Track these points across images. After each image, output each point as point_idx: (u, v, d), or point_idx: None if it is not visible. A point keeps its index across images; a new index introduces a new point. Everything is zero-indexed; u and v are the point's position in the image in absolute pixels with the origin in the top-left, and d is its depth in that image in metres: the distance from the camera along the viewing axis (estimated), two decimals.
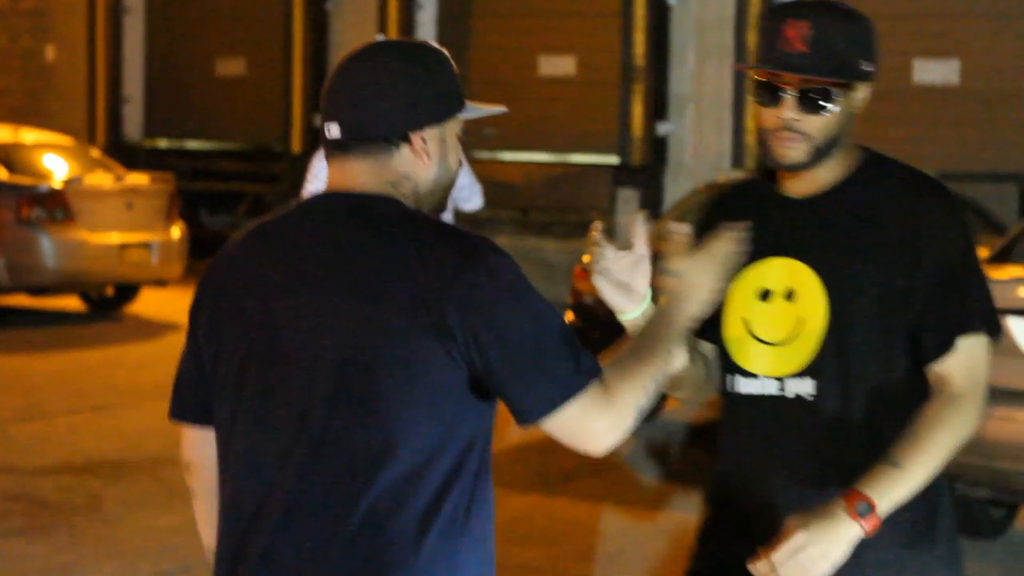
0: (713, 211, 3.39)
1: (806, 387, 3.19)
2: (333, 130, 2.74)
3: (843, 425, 3.17)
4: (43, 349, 13.48)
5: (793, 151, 3.16)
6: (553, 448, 9.55)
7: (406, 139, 2.74)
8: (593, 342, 2.85)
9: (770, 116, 3.17)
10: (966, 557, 8.20)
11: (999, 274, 8.12)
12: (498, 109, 2.88)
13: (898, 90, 16.24)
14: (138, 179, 15.69)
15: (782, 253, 3.24)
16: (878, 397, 3.17)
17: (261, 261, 2.77)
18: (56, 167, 15.26)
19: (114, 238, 14.96)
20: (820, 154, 3.18)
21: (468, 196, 10.15)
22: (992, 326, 3.20)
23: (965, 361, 3.16)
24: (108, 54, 22.01)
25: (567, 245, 16.97)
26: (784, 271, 3.23)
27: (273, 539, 2.70)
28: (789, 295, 3.22)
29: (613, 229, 16.78)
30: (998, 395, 7.72)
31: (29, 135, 15.90)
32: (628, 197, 17.21)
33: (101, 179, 15.30)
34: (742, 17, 16.67)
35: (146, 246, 15.22)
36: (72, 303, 16.11)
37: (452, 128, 2.80)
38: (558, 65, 18.34)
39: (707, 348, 3.38)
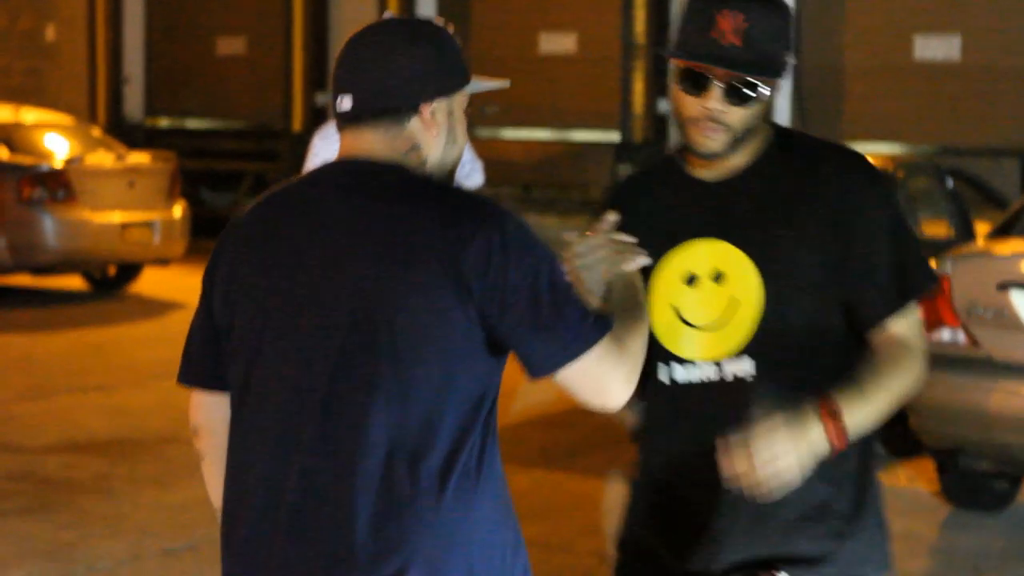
0: (624, 195, 3.34)
1: (745, 367, 3.16)
2: (345, 102, 2.84)
3: (785, 401, 3.13)
4: (46, 329, 13.49)
5: (713, 141, 3.13)
6: (556, 424, 9.57)
7: (416, 110, 2.83)
8: None
9: (694, 105, 3.13)
10: (970, 529, 8.21)
11: (1001, 249, 8.12)
12: (502, 83, 2.99)
13: (899, 66, 16.24)
14: (139, 158, 15.68)
15: (704, 235, 3.20)
16: (817, 369, 3.16)
17: (278, 226, 2.84)
18: (57, 147, 15.25)
19: (116, 217, 14.95)
20: (738, 144, 3.15)
21: (469, 173, 10.13)
22: (931, 283, 3.20)
23: (908, 321, 3.17)
24: (108, 33, 22.00)
25: (569, 222, 16.98)
26: (708, 253, 3.19)
27: (297, 497, 2.75)
28: (717, 277, 3.18)
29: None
30: (1001, 369, 7.76)
31: (30, 115, 15.89)
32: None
33: (102, 158, 15.29)
34: None
35: (148, 225, 15.22)
36: (74, 283, 16.11)
37: (459, 102, 2.90)
38: (559, 42, 18.32)
39: None
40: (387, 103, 2.81)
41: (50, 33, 22.67)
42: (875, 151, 14.98)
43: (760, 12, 3.09)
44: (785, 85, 14.14)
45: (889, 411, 3.12)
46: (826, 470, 3.12)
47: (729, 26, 3.07)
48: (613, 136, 17.70)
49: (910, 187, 11.14)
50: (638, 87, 17.37)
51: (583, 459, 9.00)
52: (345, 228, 2.77)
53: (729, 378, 3.17)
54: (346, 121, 2.85)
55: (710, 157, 3.16)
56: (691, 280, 3.20)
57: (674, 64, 3.16)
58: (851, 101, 16.63)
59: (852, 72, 16.61)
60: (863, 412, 3.07)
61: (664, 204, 3.27)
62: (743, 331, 3.16)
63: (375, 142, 2.83)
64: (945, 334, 7.98)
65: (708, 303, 3.19)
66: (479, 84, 2.94)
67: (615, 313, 2.89)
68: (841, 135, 16.48)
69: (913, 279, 3.17)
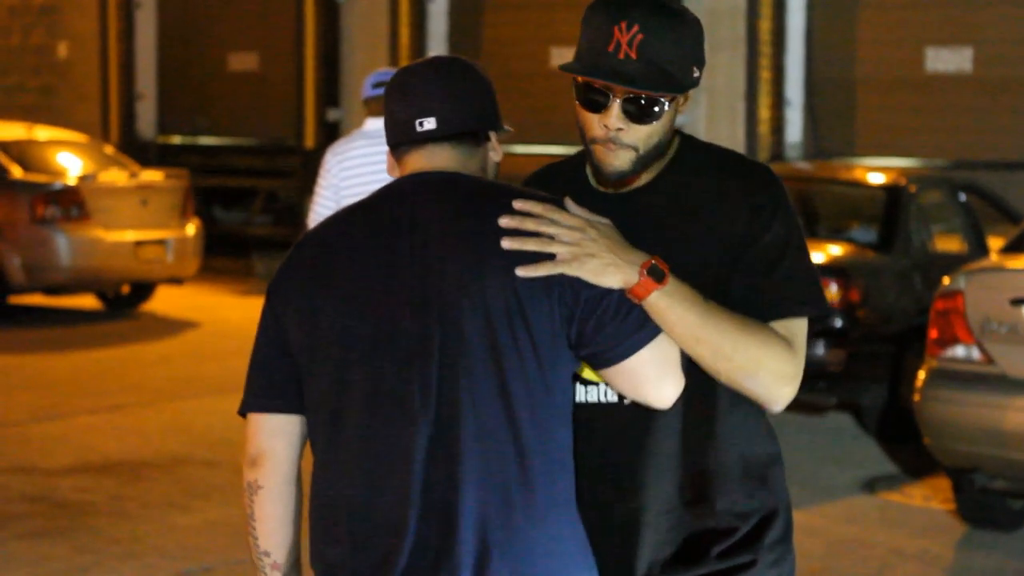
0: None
1: None
2: (428, 123, 3.02)
3: (676, 421, 3.09)
4: (59, 348, 13.50)
5: (618, 161, 3.05)
6: None
7: (488, 137, 3.08)
8: None
9: (596, 124, 3.05)
10: (985, 549, 8.14)
11: (1014, 263, 8.11)
12: (508, 128, 3.19)
13: (911, 79, 16.22)
14: (152, 176, 15.70)
15: None
16: (707, 390, 3.08)
17: (370, 234, 2.98)
18: (70, 164, 15.28)
19: (129, 235, 14.97)
20: (645, 163, 3.07)
21: None
22: (819, 305, 3.08)
23: (786, 324, 3.04)
24: (120, 50, 22.05)
25: None
26: None
27: (444, 498, 2.88)
28: None
29: None
30: (1016, 385, 7.74)
31: (43, 132, 15.92)
32: None
33: (115, 176, 15.31)
34: (754, 7, 16.65)
35: (161, 243, 15.23)
36: (88, 302, 16.13)
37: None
38: (569, 57, 18.25)
39: None
40: (469, 126, 3.04)
41: (62, 51, 22.72)
42: (887, 165, 14.97)
43: (660, 23, 3.00)
44: (797, 99, 14.10)
45: (715, 345, 2.95)
46: (751, 492, 3.14)
47: (625, 39, 2.99)
48: None
49: (922, 201, 11.10)
50: None
51: None
52: (442, 232, 2.93)
53: (627, 401, 3.07)
54: (425, 140, 3.02)
55: (617, 178, 3.09)
56: None
57: (573, 82, 3.10)
58: (862, 114, 16.60)
59: (863, 85, 16.59)
60: (688, 304, 2.92)
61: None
62: None
63: (453, 160, 3.03)
64: (959, 351, 7.97)
65: None
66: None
67: None
68: (853, 149, 16.47)
69: (790, 304, 3.05)
